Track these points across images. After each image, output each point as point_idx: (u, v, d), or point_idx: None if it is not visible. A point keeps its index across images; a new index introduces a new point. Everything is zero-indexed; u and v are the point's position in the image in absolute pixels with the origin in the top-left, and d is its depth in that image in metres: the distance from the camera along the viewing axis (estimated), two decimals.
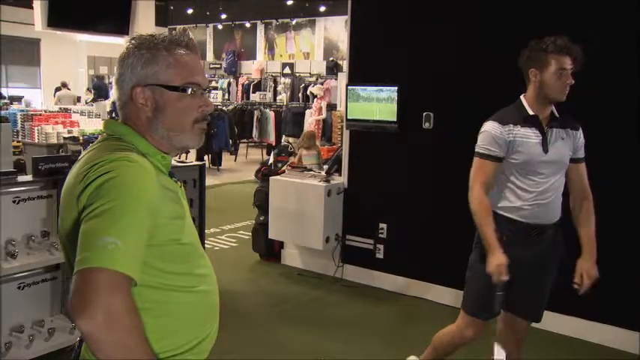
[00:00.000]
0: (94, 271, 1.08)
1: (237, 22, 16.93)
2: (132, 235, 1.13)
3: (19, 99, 12.89)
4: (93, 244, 1.10)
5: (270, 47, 16.65)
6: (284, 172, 5.40)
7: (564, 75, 2.42)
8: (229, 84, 16.07)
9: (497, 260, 2.38)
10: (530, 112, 2.51)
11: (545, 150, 2.49)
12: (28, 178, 3.28)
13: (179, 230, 1.30)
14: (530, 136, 2.50)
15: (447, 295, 4.28)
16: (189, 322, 1.34)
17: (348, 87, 4.76)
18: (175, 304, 1.31)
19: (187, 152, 9.17)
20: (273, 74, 15.69)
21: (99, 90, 15.03)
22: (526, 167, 2.50)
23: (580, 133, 2.60)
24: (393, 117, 4.49)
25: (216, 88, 15.35)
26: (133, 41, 1.35)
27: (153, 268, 1.24)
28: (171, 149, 1.39)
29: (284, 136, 11.94)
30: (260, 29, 16.85)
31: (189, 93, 1.34)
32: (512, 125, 2.50)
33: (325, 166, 5.65)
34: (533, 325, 2.61)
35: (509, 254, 2.43)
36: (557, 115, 2.54)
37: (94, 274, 1.08)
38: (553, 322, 3.88)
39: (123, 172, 1.18)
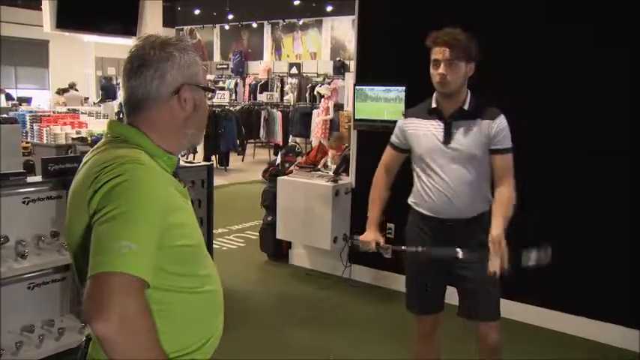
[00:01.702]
0: (109, 275, 1.09)
1: (244, 23, 16.93)
2: (145, 238, 1.14)
3: (27, 100, 12.97)
4: (107, 248, 1.11)
5: (277, 47, 16.65)
6: (292, 172, 5.40)
7: (436, 66, 2.44)
8: (236, 84, 16.07)
9: (364, 236, 2.63)
10: (433, 105, 2.55)
11: (446, 142, 2.48)
12: (38, 178, 3.29)
13: (186, 232, 1.31)
14: (429, 128, 2.54)
15: (453, 295, 4.26)
16: (195, 322, 1.35)
17: (356, 87, 4.76)
18: (181, 304, 1.31)
19: (195, 152, 9.22)
20: (280, 74, 15.69)
21: (106, 91, 15.09)
22: (426, 159, 2.54)
23: (497, 123, 2.46)
24: (400, 117, 4.46)
25: (223, 89, 15.37)
26: (174, 41, 1.37)
27: (160, 270, 1.24)
28: (181, 149, 1.43)
29: (291, 136, 11.95)
30: (267, 29, 16.85)
31: (210, 94, 1.43)
32: (413, 118, 2.62)
33: (333, 166, 5.65)
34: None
35: (429, 252, 2.53)
36: (467, 107, 2.50)
37: (109, 278, 1.09)
38: (553, 320, 3.89)
39: (134, 175, 1.19)
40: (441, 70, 2.42)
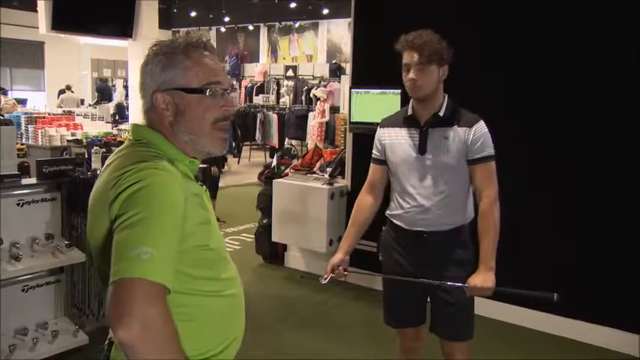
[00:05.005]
0: (129, 281, 1.09)
1: (240, 25, 16.92)
2: (164, 244, 1.14)
3: (22, 102, 12.93)
4: (127, 255, 1.11)
5: (273, 50, 16.65)
6: (287, 174, 5.40)
7: (407, 71, 2.33)
8: (232, 86, 16.08)
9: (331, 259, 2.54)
10: (409, 113, 2.43)
11: (421, 151, 2.36)
12: (33, 180, 3.29)
13: (206, 236, 1.32)
14: (405, 137, 2.41)
15: None
16: (217, 325, 1.37)
17: (352, 89, 4.76)
18: (203, 308, 1.33)
19: None
20: (277, 77, 15.69)
21: (102, 93, 15.07)
22: (402, 170, 2.41)
23: (474, 130, 2.32)
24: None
25: None
26: (153, 47, 1.37)
27: (182, 274, 1.26)
28: (196, 154, 1.40)
29: (287, 138, 11.95)
30: (263, 32, 16.85)
31: (208, 94, 1.34)
32: (389, 128, 2.49)
33: (329, 169, 5.65)
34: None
35: (402, 265, 2.46)
36: (442, 113, 2.36)
37: (129, 284, 1.08)
38: (553, 324, 3.88)
39: (152, 181, 1.19)
40: (412, 75, 2.30)
